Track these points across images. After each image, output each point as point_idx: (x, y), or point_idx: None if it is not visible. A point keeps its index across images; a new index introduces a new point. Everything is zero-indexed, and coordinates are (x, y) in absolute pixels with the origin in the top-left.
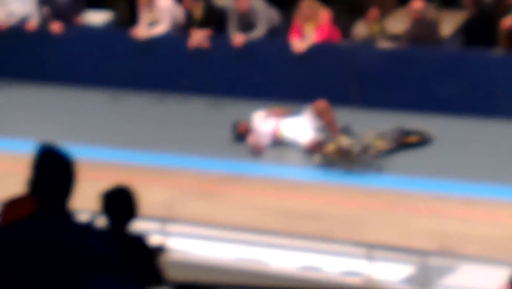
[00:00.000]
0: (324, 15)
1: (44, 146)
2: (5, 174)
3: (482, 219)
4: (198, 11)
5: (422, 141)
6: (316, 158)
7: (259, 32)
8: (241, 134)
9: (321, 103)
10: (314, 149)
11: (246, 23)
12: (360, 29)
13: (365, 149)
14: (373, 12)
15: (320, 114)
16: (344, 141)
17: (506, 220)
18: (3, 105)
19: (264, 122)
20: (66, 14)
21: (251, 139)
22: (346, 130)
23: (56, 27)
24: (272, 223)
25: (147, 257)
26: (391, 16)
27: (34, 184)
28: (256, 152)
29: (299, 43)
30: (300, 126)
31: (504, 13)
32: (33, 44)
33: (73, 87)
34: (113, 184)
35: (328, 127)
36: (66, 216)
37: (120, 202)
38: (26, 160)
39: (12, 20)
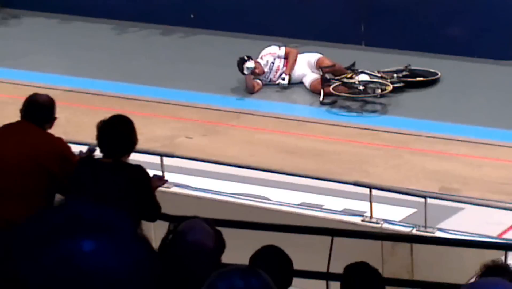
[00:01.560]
0: None
1: None
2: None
3: (486, 161)
4: None
5: (429, 82)
6: (321, 96)
7: None
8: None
9: (321, 60)
10: (319, 87)
11: None
12: None
13: (369, 87)
14: None
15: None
16: (348, 79)
17: (505, 162)
18: (8, 35)
19: (275, 59)
20: None
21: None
22: (352, 69)
23: None
24: (274, 159)
25: (145, 188)
26: None
27: None
28: (250, 89)
29: None
30: (305, 67)
31: None
32: None
33: (81, 18)
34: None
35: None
36: None
37: (116, 129)
38: (26, 90)
39: None
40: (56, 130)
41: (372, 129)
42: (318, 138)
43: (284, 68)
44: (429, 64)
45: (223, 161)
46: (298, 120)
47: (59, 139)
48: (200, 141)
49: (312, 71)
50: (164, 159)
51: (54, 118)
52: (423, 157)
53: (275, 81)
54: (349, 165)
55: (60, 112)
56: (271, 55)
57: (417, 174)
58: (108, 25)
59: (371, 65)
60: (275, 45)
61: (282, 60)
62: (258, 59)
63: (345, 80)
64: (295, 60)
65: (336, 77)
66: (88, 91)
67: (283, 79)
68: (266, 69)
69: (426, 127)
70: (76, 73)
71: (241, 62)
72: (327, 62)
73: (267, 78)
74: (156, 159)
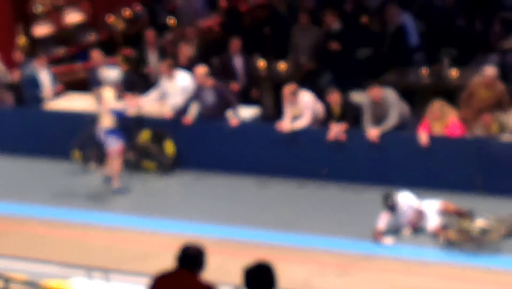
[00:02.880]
0: (453, 115)
1: None
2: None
3: None
4: (337, 107)
5: None
6: (441, 240)
7: (391, 120)
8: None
9: (448, 205)
10: (439, 232)
11: (380, 113)
12: (478, 131)
13: (485, 232)
14: (486, 118)
15: (447, 212)
16: (466, 224)
17: None
18: (165, 189)
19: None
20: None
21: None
22: (470, 215)
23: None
24: None
25: None
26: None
27: None
28: (376, 237)
29: (426, 136)
30: (428, 212)
31: None
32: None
33: (226, 175)
34: (255, 261)
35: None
36: None
37: (260, 277)
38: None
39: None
40: (206, 275)
41: (488, 272)
42: (441, 278)
43: (411, 219)
44: None
45: None
46: (422, 263)
47: (212, 285)
48: (334, 282)
49: (431, 216)
50: None
51: (205, 266)
52: None
53: (401, 226)
54: None
55: (211, 259)
56: (408, 206)
57: None
58: (249, 180)
59: (488, 210)
60: (414, 196)
61: (416, 213)
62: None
63: (462, 226)
64: (420, 220)
65: (455, 224)
66: (235, 240)
67: (408, 230)
68: (399, 214)
69: None
70: (224, 222)
71: (387, 198)
72: (451, 207)
73: (397, 221)
74: None
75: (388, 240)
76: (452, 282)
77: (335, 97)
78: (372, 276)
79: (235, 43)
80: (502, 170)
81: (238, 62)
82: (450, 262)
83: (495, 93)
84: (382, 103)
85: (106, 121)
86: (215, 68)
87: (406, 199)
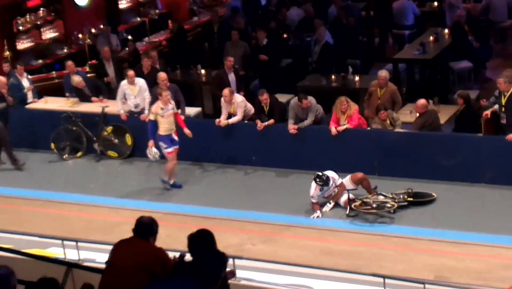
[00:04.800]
0: (355, 109)
1: None
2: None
3: (467, 256)
4: (267, 105)
5: (428, 201)
6: (348, 211)
7: (308, 121)
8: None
9: (359, 175)
10: (347, 204)
11: (301, 114)
12: (376, 125)
13: (383, 205)
14: (382, 114)
15: (358, 182)
16: (368, 199)
17: (483, 257)
18: (125, 173)
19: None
20: None
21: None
22: (375, 191)
23: None
24: (316, 259)
25: (221, 275)
26: (402, 110)
27: None
28: (316, 209)
29: (335, 129)
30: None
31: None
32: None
33: None
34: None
35: (366, 189)
36: None
37: (201, 239)
38: (134, 213)
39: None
40: (158, 242)
41: (383, 235)
42: (346, 243)
43: (333, 194)
44: (427, 187)
45: (279, 261)
46: (331, 230)
47: (160, 249)
48: (261, 247)
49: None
50: (236, 260)
51: (156, 233)
52: (423, 255)
53: (326, 199)
54: (368, 261)
55: (162, 229)
56: (333, 182)
57: (418, 267)
58: (193, 166)
59: (388, 189)
60: (336, 173)
61: (336, 188)
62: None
63: (365, 200)
64: (341, 194)
65: (359, 198)
66: (182, 214)
67: (329, 203)
68: (327, 188)
69: (424, 233)
70: (171, 200)
71: (321, 175)
72: (359, 176)
73: (323, 195)
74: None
75: (318, 214)
76: (357, 245)
77: (265, 97)
78: (292, 242)
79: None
80: (395, 157)
81: (231, 77)
82: (354, 229)
83: (388, 92)
84: (307, 109)
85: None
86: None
87: (332, 176)
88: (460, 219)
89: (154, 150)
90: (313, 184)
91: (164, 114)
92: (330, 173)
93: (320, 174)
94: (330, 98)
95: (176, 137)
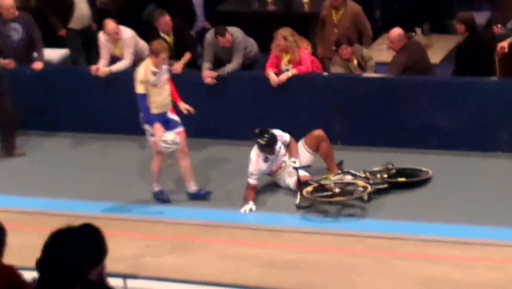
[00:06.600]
0: (305, 47)
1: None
2: None
3: (478, 262)
4: (170, 34)
5: (418, 181)
6: (297, 199)
7: (232, 66)
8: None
9: (316, 132)
10: (299, 187)
11: (223, 55)
12: (335, 68)
13: (352, 190)
14: (346, 51)
15: (315, 147)
16: (329, 180)
17: (500, 262)
18: None
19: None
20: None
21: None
22: (339, 167)
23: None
24: (252, 275)
25: None
26: (376, 45)
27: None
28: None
29: (274, 76)
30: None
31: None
32: None
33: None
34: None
35: (325, 160)
36: None
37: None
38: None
39: None
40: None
41: (353, 236)
42: (297, 249)
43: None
44: (412, 160)
45: (194, 280)
46: (276, 231)
47: (10, 268)
48: (168, 260)
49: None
50: (128, 280)
51: (3, 246)
52: (411, 262)
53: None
54: (332, 275)
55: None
56: (281, 141)
57: (404, 281)
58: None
59: (358, 165)
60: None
61: (285, 156)
62: None
63: (322, 182)
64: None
65: (315, 179)
66: (42, 212)
67: (294, 162)
68: (275, 155)
69: (412, 229)
70: (30, 193)
71: (263, 134)
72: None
73: (270, 167)
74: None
75: (251, 207)
76: (312, 252)
77: (165, 21)
78: (216, 250)
79: None
80: (366, 116)
81: None
82: (308, 228)
83: (348, 15)
84: (227, 45)
85: None
86: None
87: (280, 133)
88: (465, 207)
89: (168, 135)
90: (253, 152)
91: (158, 83)
92: (275, 131)
93: (261, 129)
94: (268, 29)
95: (174, 117)
